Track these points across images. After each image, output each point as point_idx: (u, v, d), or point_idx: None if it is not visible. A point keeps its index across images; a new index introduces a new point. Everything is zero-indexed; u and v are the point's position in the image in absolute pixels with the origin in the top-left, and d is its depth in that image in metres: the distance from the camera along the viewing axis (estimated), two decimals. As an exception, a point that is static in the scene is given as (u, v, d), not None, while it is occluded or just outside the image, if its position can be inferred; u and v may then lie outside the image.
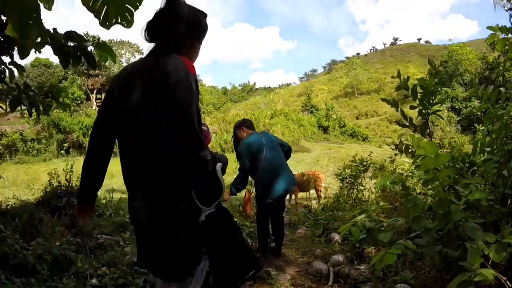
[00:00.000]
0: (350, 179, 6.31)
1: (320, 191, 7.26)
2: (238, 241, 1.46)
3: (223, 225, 1.41)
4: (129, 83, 1.38)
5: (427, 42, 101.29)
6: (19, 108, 2.71)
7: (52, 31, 2.26)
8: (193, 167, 1.29)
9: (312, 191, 7.59)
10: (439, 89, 2.17)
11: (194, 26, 1.47)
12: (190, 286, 1.34)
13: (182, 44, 1.43)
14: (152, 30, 1.43)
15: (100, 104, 1.30)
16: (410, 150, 2.06)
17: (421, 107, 2.18)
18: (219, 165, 1.39)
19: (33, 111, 2.73)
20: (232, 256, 1.41)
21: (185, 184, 1.30)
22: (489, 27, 2.14)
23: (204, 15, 1.51)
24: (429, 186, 1.83)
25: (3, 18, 2.20)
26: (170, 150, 1.28)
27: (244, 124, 3.82)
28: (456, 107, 39.49)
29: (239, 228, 1.50)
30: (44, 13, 2.35)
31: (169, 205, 1.30)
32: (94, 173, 1.50)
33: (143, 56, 1.49)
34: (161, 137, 1.28)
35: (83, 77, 31.48)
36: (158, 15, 1.42)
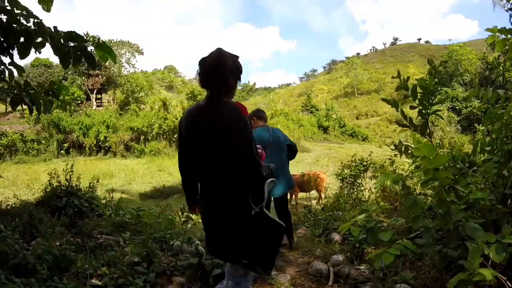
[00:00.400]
0: (350, 179, 6.31)
1: (322, 192, 7.26)
2: (272, 230, 1.97)
3: (262, 219, 1.91)
4: (196, 125, 1.85)
5: (427, 42, 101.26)
6: (19, 108, 2.71)
7: (52, 30, 2.25)
8: (253, 181, 1.85)
9: (312, 191, 7.59)
10: (439, 89, 2.17)
11: (236, 71, 1.89)
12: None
13: (231, 89, 1.88)
14: (208, 80, 1.84)
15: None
16: (409, 151, 2.06)
17: (421, 107, 2.18)
18: (268, 181, 1.90)
19: (34, 109, 2.73)
20: (268, 239, 1.94)
21: (247, 191, 1.84)
22: (488, 29, 2.15)
23: (238, 57, 1.92)
24: (429, 187, 1.83)
25: (3, 18, 2.20)
26: (237, 171, 1.81)
27: (255, 114, 3.77)
28: (456, 107, 39.51)
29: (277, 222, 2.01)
30: (44, 13, 2.35)
31: (239, 204, 1.84)
32: (190, 187, 2.09)
33: (200, 102, 1.93)
34: (232, 163, 1.81)
35: (83, 77, 31.46)
36: (210, 68, 1.83)
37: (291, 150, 3.87)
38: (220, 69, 1.80)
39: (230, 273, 2.01)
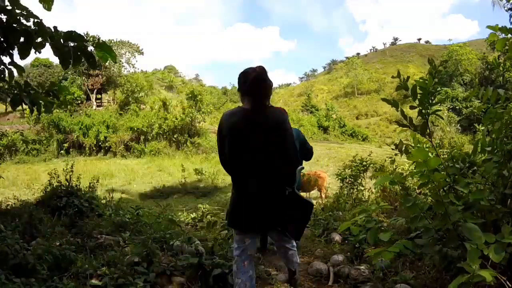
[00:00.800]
0: (350, 179, 6.31)
1: (323, 191, 7.27)
2: (302, 205, 2.41)
3: (294, 197, 2.36)
4: (243, 125, 2.24)
5: (427, 42, 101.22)
6: (19, 108, 2.71)
7: (52, 30, 2.25)
8: (289, 169, 2.32)
9: (313, 191, 7.59)
10: (439, 89, 2.17)
11: (272, 84, 2.36)
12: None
13: (269, 96, 2.32)
14: (254, 89, 2.23)
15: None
16: (409, 151, 2.06)
17: (421, 107, 2.18)
18: (299, 167, 2.56)
19: (34, 109, 2.73)
20: (300, 212, 2.38)
21: (283, 176, 2.30)
22: (489, 26, 2.14)
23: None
24: (428, 187, 1.83)
25: (3, 17, 2.20)
26: (278, 160, 2.25)
27: (238, 83, 3.66)
28: (456, 107, 39.51)
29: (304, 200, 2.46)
30: (44, 13, 2.35)
31: (277, 185, 2.30)
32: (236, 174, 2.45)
33: (245, 106, 2.29)
34: (275, 153, 2.24)
35: (83, 77, 31.45)
36: (256, 80, 2.23)
37: (304, 151, 3.65)
38: (264, 81, 2.25)
39: (282, 241, 2.58)
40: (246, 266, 2.35)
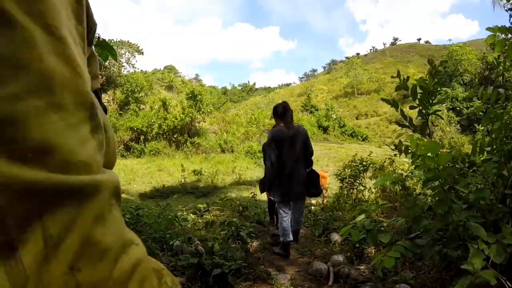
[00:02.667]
0: (350, 179, 6.31)
1: (325, 191, 7.27)
2: (315, 179, 3.92)
3: (312, 173, 3.90)
4: (284, 136, 3.67)
5: (427, 42, 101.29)
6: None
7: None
8: (309, 158, 3.85)
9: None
10: (439, 89, 2.17)
11: None
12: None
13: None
14: (285, 114, 3.74)
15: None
16: (409, 151, 2.06)
17: (420, 107, 2.18)
18: (312, 157, 3.96)
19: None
20: (315, 184, 3.90)
21: (307, 163, 3.83)
22: (488, 28, 2.14)
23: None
24: (429, 186, 1.82)
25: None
26: (304, 154, 3.78)
27: (274, 113, 3.80)
28: (456, 107, 39.52)
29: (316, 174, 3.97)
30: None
31: (303, 168, 3.78)
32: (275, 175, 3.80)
33: (280, 126, 3.75)
34: (303, 151, 3.76)
35: (83, 77, 31.42)
36: (285, 108, 3.78)
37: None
38: (288, 110, 3.76)
39: (297, 210, 3.85)
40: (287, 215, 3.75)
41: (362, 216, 1.82)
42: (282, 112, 3.69)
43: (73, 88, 0.32)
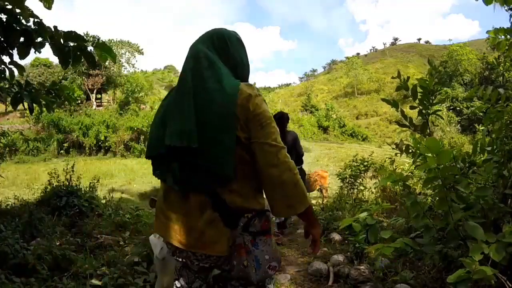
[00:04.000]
0: (351, 179, 6.31)
1: (325, 191, 7.27)
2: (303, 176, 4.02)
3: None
4: (289, 141, 4.40)
5: (427, 42, 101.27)
6: (19, 107, 2.71)
7: (52, 29, 2.25)
8: (301, 158, 4.64)
9: (313, 191, 7.58)
10: (439, 89, 2.17)
11: None
12: None
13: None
14: (281, 124, 4.34)
15: None
16: (410, 150, 2.05)
17: (421, 107, 2.18)
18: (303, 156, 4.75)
19: (35, 108, 2.73)
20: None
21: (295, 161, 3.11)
22: (489, 32, 2.15)
23: None
24: (430, 186, 1.82)
25: (3, 17, 2.20)
26: (297, 154, 4.55)
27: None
28: (457, 107, 39.50)
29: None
30: (44, 12, 2.35)
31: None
32: None
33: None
34: (295, 150, 4.56)
35: (83, 77, 31.41)
36: (280, 118, 4.39)
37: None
38: (283, 118, 4.40)
39: None
40: None
41: (365, 213, 1.82)
42: (278, 119, 4.34)
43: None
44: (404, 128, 2.28)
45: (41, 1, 2.30)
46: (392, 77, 2.38)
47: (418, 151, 1.72)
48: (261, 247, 1.25)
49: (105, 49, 2.40)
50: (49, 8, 2.33)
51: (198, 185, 1.22)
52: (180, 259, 1.37)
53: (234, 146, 1.19)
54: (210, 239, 1.24)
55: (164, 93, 49.74)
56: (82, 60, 2.37)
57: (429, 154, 1.61)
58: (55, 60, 34.24)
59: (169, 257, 1.72)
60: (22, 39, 2.23)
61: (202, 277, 1.51)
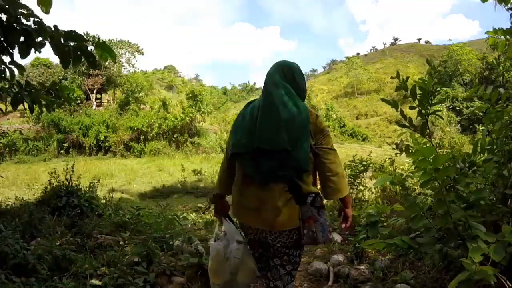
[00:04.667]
0: (350, 179, 6.30)
1: None
2: None
3: None
4: None
5: (427, 42, 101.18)
6: (20, 107, 2.71)
7: (52, 29, 2.25)
8: None
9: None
10: (439, 89, 2.17)
11: None
12: None
13: None
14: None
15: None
16: (410, 151, 2.06)
17: (420, 107, 2.18)
18: None
19: (35, 108, 2.73)
20: None
21: None
22: (488, 32, 2.15)
23: None
24: (428, 186, 1.82)
25: (3, 17, 2.20)
26: None
27: None
28: (456, 107, 39.51)
29: None
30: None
31: None
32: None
33: None
34: None
35: (83, 77, 31.39)
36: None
37: None
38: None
39: None
40: None
41: (365, 213, 1.83)
42: None
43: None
44: (404, 129, 2.28)
45: (39, 6, 2.29)
46: (392, 77, 2.38)
47: (413, 157, 1.73)
48: (323, 217, 1.73)
49: (106, 49, 2.40)
50: (47, 12, 2.33)
51: (282, 176, 1.67)
52: (253, 237, 1.85)
53: (309, 150, 1.68)
54: (286, 217, 1.69)
55: (164, 93, 49.75)
56: (82, 60, 2.37)
57: (422, 157, 1.63)
58: (55, 60, 34.29)
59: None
60: (22, 38, 2.23)
61: (264, 247, 1.90)
